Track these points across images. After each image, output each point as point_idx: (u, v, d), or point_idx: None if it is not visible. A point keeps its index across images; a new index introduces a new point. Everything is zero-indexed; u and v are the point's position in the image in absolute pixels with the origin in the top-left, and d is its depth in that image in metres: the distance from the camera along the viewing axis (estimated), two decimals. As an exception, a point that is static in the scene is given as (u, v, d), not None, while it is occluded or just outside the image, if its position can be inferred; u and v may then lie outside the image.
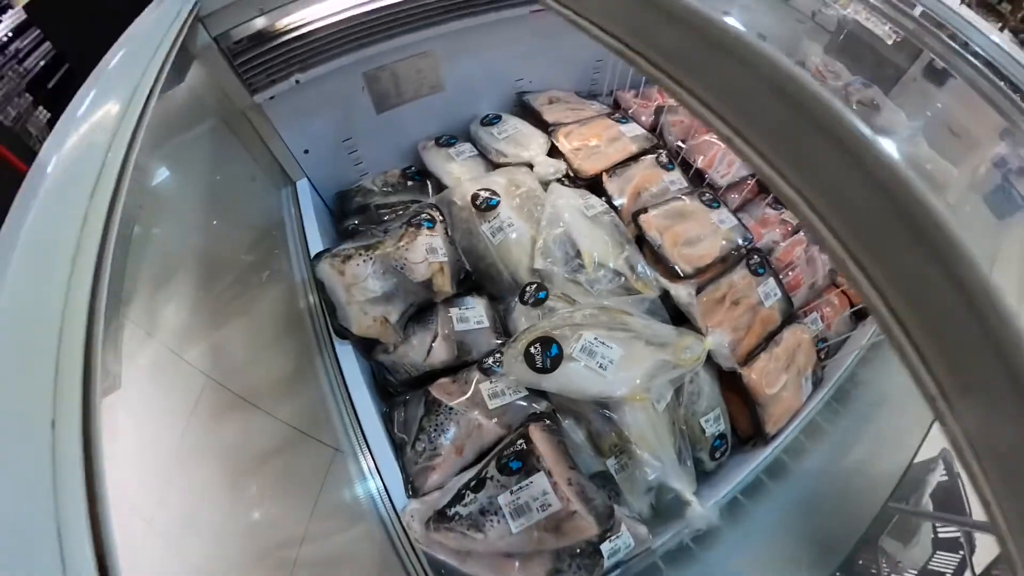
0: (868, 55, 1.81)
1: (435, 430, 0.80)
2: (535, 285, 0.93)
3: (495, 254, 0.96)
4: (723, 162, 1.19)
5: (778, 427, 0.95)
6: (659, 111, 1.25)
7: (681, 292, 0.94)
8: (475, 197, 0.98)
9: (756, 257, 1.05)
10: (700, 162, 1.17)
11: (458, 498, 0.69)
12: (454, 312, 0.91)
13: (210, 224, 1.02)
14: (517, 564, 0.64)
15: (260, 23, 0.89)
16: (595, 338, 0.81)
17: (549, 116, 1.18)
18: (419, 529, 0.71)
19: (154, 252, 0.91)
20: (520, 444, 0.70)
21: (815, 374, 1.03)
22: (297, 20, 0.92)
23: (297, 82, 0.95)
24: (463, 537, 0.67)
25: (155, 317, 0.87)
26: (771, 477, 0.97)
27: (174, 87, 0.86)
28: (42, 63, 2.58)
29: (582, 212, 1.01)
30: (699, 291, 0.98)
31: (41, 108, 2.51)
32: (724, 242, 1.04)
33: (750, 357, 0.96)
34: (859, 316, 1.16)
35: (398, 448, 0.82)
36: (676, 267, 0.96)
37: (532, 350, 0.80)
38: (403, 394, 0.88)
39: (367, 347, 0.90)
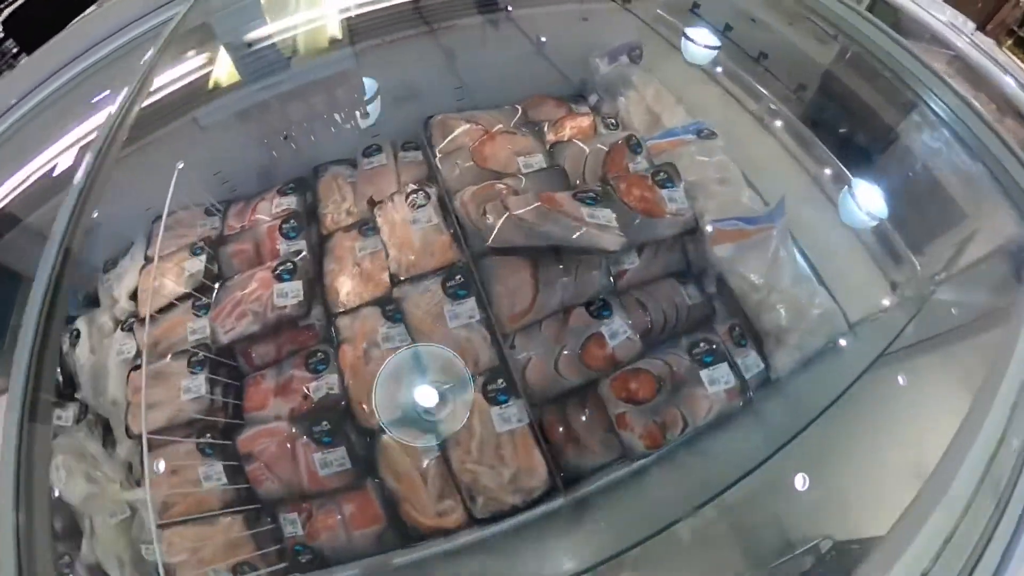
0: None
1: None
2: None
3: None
4: (232, 314, 1.08)
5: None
6: (224, 240, 1.16)
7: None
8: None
9: (211, 436, 1.04)
10: (212, 312, 1.11)
11: None
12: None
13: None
14: None
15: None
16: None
17: (153, 248, 1.30)
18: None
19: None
20: None
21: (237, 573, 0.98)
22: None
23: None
24: None
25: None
26: None
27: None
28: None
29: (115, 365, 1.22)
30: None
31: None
32: (176, 415, 1.07)
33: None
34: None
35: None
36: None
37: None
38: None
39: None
